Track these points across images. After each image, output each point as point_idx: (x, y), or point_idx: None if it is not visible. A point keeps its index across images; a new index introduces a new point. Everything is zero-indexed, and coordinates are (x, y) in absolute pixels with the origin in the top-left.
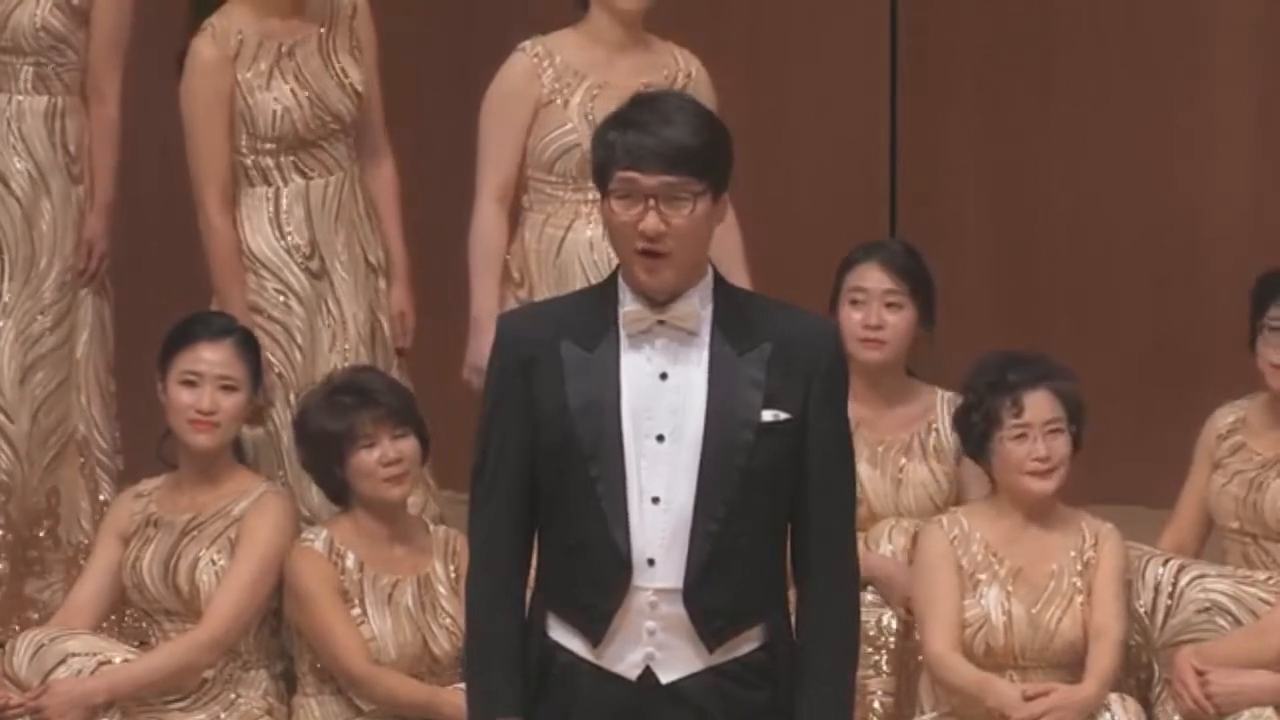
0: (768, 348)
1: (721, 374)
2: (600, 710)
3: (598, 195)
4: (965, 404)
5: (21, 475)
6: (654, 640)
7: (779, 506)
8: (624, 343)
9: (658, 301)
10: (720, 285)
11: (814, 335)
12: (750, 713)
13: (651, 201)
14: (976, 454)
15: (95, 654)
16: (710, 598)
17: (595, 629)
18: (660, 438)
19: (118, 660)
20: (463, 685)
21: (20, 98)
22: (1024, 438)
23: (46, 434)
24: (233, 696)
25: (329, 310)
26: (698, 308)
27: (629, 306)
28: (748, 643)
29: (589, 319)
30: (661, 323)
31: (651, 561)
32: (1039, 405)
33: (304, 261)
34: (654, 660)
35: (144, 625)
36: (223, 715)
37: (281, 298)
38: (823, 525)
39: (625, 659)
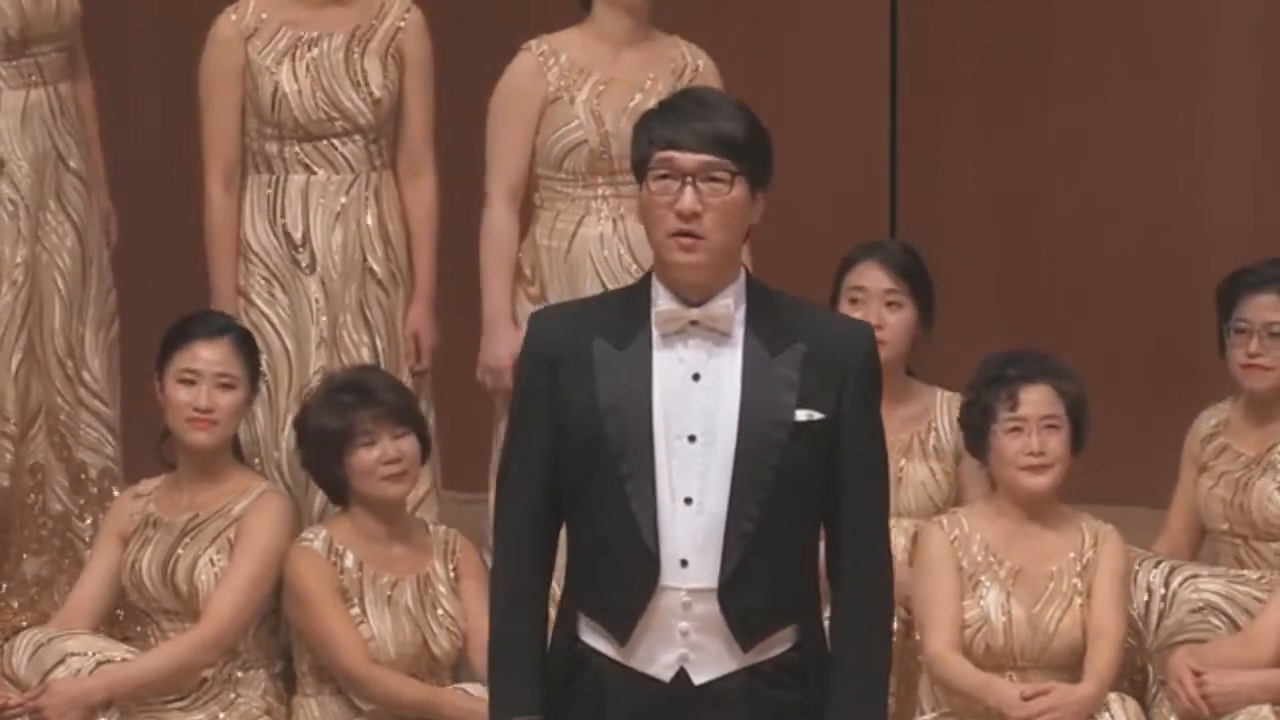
0: (801, 348)
1: (755, 374)
2: (631, 711)
3: (607, 191)
4: (967, 400)
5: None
6: (688, 641)
7: (812, 506)
8: (656, 342)
9: (691, 301)
10: (753, 286)
11: (848, 335)
12: (782, 713)
13: (689, 179)
14: (976, 449)
15: (94, 653)
16: (745, 598)
17: (622, 629)
18: (692, 438)
19: (117, 660)
20: (463, 685)
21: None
22: (1019, 432)
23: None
24: (232, 696)
25: (311, 305)
26: (731, 308)
27: (662, 305)
28: (781, 643)
29: (622, 318)
30: (694, 323)
31: (685, 562)
32: (1035, 400)
33: (293, 253)
34: (688, 661)
35: (141, 628)
36: (221, 715)
37: (267, 286)
38: (856, 525)
39: (658, 660)
